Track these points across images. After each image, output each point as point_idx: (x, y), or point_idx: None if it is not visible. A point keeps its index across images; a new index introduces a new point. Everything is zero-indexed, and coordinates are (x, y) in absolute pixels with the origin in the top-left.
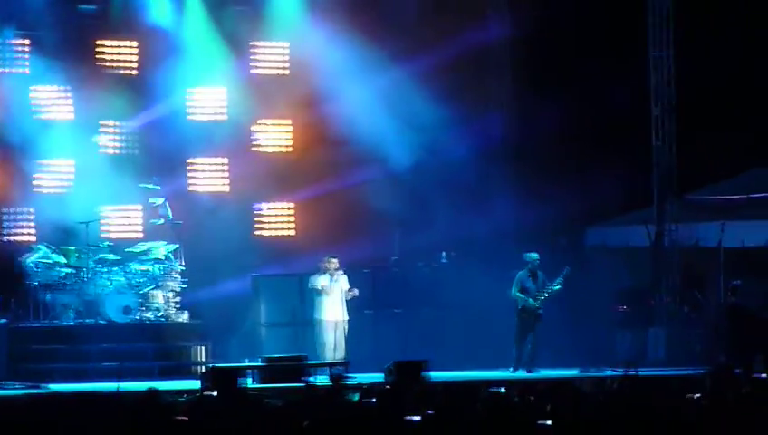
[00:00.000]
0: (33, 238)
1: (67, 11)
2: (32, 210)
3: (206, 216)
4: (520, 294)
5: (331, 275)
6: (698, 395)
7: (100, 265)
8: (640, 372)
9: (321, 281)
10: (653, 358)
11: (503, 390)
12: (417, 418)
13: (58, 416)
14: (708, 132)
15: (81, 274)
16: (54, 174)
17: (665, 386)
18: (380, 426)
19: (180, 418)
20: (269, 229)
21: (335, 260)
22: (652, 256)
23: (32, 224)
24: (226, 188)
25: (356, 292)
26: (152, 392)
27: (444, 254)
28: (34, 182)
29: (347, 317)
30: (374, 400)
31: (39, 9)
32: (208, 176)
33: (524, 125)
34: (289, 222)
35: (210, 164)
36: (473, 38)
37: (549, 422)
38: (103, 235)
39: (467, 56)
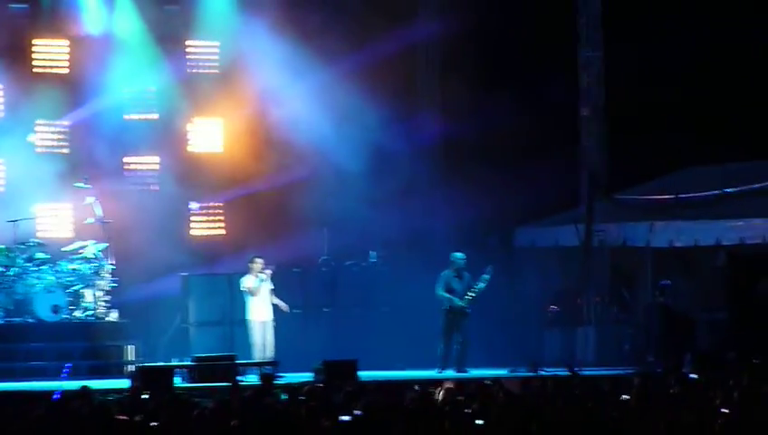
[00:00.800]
0: None
1: None
2: None
3: (136, 214)
4: (445, 294)
5: (257, 275)
6: (627, 396)
7: (30, 264)
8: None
9: (246, 282)
10: (582, 358)
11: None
12: (348, 417)
13: None
14: (637, 133)
15: (11, 272)
16: None
17: (594, 386)
18: (309, 425)
19: (120, 417)
20: (200, 229)
21: (260, 260)
22: (581, 255)
23: None
24: (158, 187)
25: (285, 307)
26: (86, 391)
27: (373, 253)
28: None
29: (272, 317)
30: (303, 398)
31: None
32: (142, 174)
33: (455, 124)
34: (219, 221)
35: (143, 163)
36: (404, 36)
37: (479, 422)
38: (34, 234)
39: (399, 55)
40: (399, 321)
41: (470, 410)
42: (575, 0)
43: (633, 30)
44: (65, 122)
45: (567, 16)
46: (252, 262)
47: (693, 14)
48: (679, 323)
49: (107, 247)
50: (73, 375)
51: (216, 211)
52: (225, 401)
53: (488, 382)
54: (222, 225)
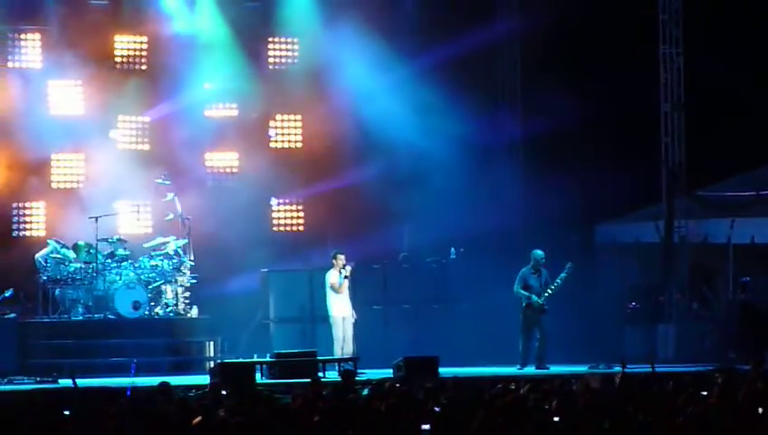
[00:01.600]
0: (44, 233)
1: (79, 5)
2: (43, 205)
3: (216, 211)
4: (522, 291)
5: (340, 271)
6: (705, 393)
7: (110, 261)
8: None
9: (330, 277)
10: (662, 355)
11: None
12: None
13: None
14: (718, 129)
15: (91, 269)
16: (66, 169)
17: (675, 383)
18: (390, 422)
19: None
20: (279, 225)
21: (342, 256)
22: (662, 252)
23: (43, 219)
24: (239, 184)
25: (348, 268)
26: (164, 387)
27: (453, 250)
28: (46, 177)
29: (353, 312)
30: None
31: (51, 4)
32: (222, 171)
33: (534, 121)
34: (299, 217)
35: (223, 159)
36: (483, 34)
37: (557, 419)
38: (115, 230)
39: (478, 52)
40: (480, 317)
41: (550, 407)
42: None
43: (715, 25)
44: (146, 119)
45: (648, 12)
46: (335, 257)
47: None
48: (760, 319)
49: (187, 243)
50: (153, 371)
51: (297, 207)
52: (306, 398)
53: (569, 379)
54: (302, 221)
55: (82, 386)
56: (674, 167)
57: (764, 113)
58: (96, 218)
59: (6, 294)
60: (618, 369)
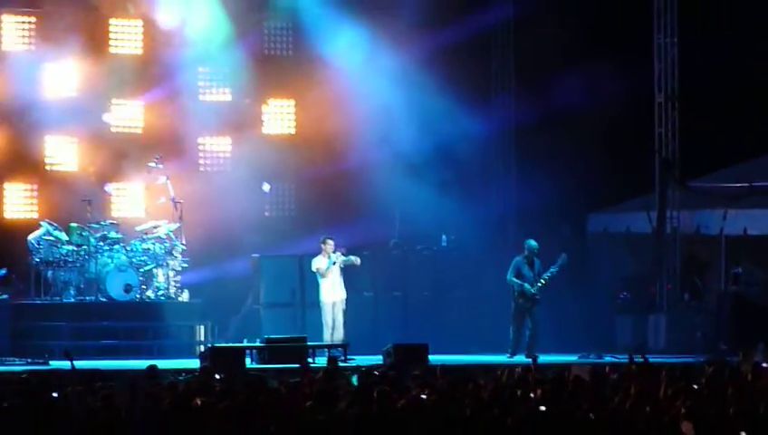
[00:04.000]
0: (36, 215)
1: None
2: (35, 187)
3: (208, 195)
4: (515, 280)
5: (328, 256)
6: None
7: (102, 244)
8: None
9: (317, 263)
10: (653, 345)
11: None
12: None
13: (58, 392)
14: (711, 120)
15: (83, 251)
16: (60, 151)
17: (666, 374)
18: (380, 408)
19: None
20: (271, 210)
21: (331, 241)
22: (653, 242)
23: (35, 201)
24: (232, 169)
25: (357, 260)
26: (153, 370)
27: (444, 237)
28: (39, 159)
29: (344, 297)
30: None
31: None
32: (215, 155)
33: (528, 110)
34: (290, 203)
35: (216, 143)
36: (477, 21)
37: (543, 408)
38: (107, 213)
39: (472, 39)
40: (470, 305)
41: (538, 396)
42: None
43: (709, 15)
44: (140, 102)
45: (640, 1)
46: (323, 243)
47: None
48: (751, 311)
49: (179, 227)
50: (143, 355)
51: (289, 192)
52: (296, 383)
53: (558, 369)
54: (293, 206)
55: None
56: (667, 157)
57: (759, 104)
58: (88, 201)
59: (0, 274)
60: (609, 359)
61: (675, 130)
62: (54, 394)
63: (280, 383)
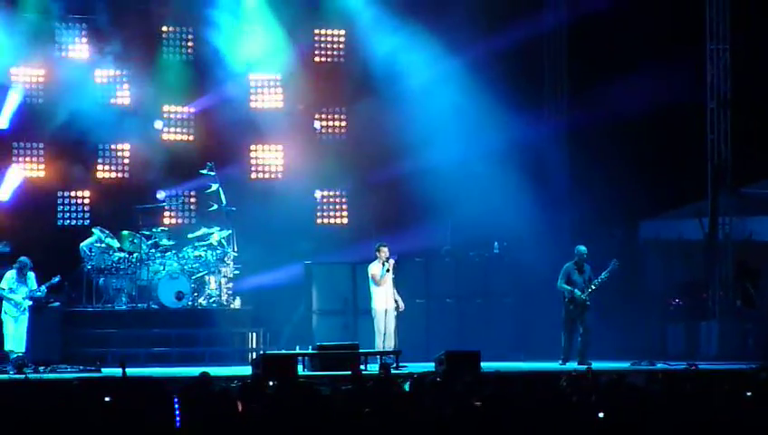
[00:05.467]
0: (89, 223)
1: None
2: (88, 194)
3: (260, 202)
4: (566, 286)
5: (383, 263)
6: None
7: (154, 251)
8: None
9: (372, 269)
10: (705, 352)
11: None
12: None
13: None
14: (764, 126)
15: (135, 258)
16: (112, 159)
17: (717, 381)
18: (430, 415)
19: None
20: (323, 217)
21: (385, 248)
22: (705, 249)
23: (88, 208)
24: (284, 176)
25: (402, 305)
26: (205, 377)
27: (496, 244)
28: (92, 167)
29: (397, 305)
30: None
31: None
32: (266, 163)
33: (581, 115)
34: (343, 210)
35: (268, 151)
36: (532, 24)
37: (600, 415)
38: (159, 220)
39: (523, 44)
40: (522, 312)
41: (592, 403)
42: None
43: (761, 21)
44: (191, 109)
45: (696, 5)
46: (378, 250)
47: None
48: None
49: (231, 234)
50: (195, 362)
51: (341, 200)
52: (349, 390)
53: (612, 376)
54: (345, 213)
55: (129, 375)
56: (719, 163)
57: None
58: (141, 208)
59: (54, 281)
60: (662, 366)
61: (727, 137)
62: (107, 398)
63: (333, 390)
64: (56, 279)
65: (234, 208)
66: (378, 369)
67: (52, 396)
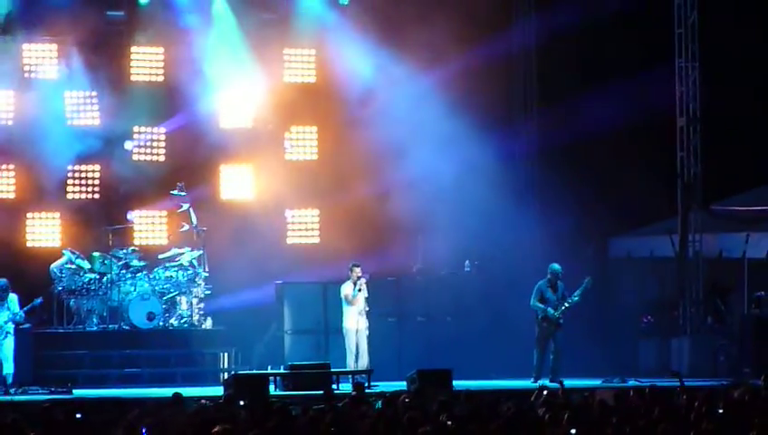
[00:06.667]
0: (59, 244)
1: (95, 17)
2: (58, 215)
3: (232, 223)
4: (539, 304)
5: (355, 283)
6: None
7: (125, 272)
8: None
9: (344, 289)
10: (676, 369)
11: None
12: None
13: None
14: (734, 143)
15: (106, 280)
16: (81, 180)
17: (689, 397)
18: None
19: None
20: (294, 237)
21: (358, 268)
22: (676, 266)
23: (58, 229)
24: (253, 196)
25: (362, 281)
26: (177, 397)
27: (467, 262)
28: (62, 188)
29: (367, 325)
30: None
31: (67, 15)
32: (237, 182)
33: (549, 132)
34: (314, 230)
35: (239, 171)
36: (500, 44)
37: (573, 432)
38: (132, 241)
39: (493, 62)
40: (493, 330)
41: (564, 420)
42: (672, 9)
43: (730, 40)
44: (162, 130)
45: (665, 23)
46: (351, 269)
47: None
48: None
49: (202, 255)
50: (167, 382)
51: (312, 220)
52: (320, 410)
53: (584, 393)
54: (317, 233)
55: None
56: (689, 180)
57: None
58: (111, 229)
59: (35, 303)
60: (633, 383)
61: (697, 153)
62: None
63: (303, 411)
64: (38, 301)
65: (204, 229)
66: (351, 388)
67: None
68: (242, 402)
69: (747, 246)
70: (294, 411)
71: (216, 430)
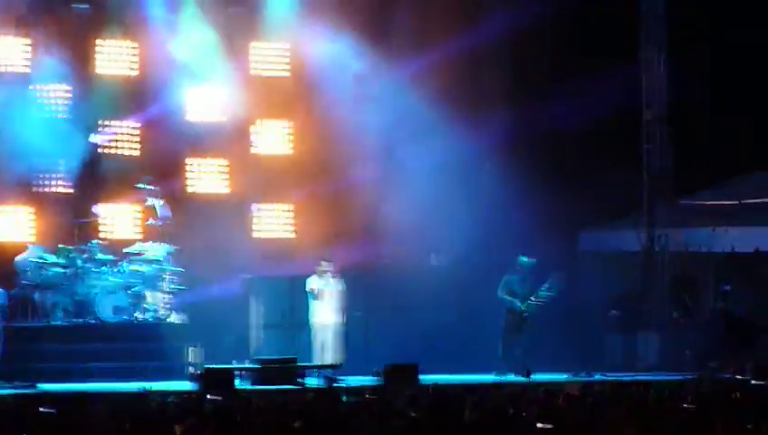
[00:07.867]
0: (26, 238)
1: (61, 10)
2: (24, 209)
3: (201, 217)
4: (506, 297)
5: (322, 277)
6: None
7: (90, 265)
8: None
9: (311, 283)
10: (643, 363)
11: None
12: None
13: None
14: (701, 137)
15: (72, 273)
16: (48, 173)
17: (656, 391)
18: (371, 429)
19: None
20: (266, 231)
21: (326, 263)
22: (643, 261)
23: (26, 223)
24: (225, 190)
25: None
26: (142, 392)
27: (433, 255)
28: (28, 181)
29: (338, 320)
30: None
31: (37, 7)
32: (207, 177)
33: (518, 126)
34: (287, 224)
35: (209, 165)
36: (471, 36)
37: (540, 425)
38: (98, 235)
39: (461, 56)
40: (460, 324)
41: (530, 414)
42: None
43: (698, 32)
44: (129, 123)
45: (632, 14)
46: (319, 264)
47: (764, 16)
48: (740, 328)
49: (169, 248)
50: (134, 376)
51: (281, 213)
52: (287, 404)
53: (549, 387)
54: (286, 227)
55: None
56: (656, 174)
57: (749, 121)
58: (77, 223)
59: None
60: (599, 377)
61: (664, 147)
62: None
63: (269, 403)
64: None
65: (172, 222)
66: (320, 382)
67: None
68: (208, 397)
69: (713, 240)
70: (263, 406)
71: (185, 426)
